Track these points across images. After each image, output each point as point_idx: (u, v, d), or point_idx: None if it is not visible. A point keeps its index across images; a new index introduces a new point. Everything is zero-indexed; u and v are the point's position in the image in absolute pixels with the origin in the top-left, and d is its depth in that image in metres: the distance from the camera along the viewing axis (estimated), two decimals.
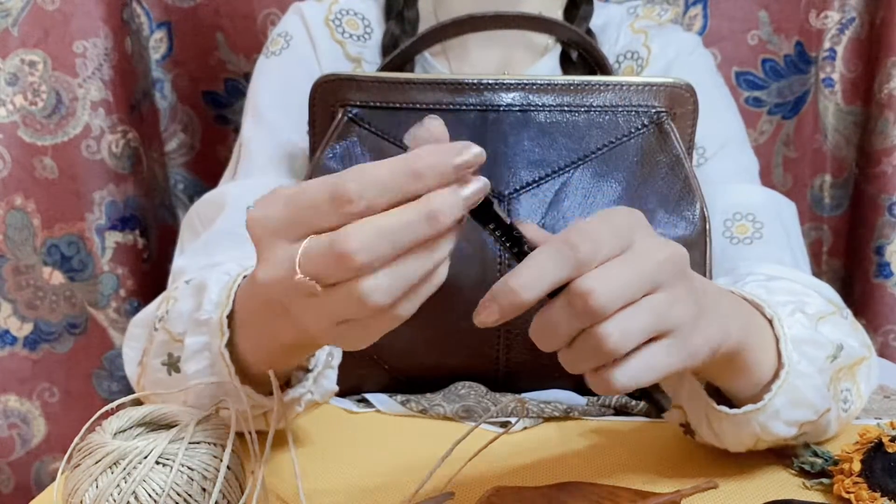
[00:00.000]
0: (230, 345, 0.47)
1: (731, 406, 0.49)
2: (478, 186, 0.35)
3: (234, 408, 0.43)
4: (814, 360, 0.50)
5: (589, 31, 0.77)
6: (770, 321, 0.49)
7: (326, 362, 0.53)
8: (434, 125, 0.37)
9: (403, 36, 0.75)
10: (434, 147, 0.35)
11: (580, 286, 0.36)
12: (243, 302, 0.47)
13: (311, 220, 0.34)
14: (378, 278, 0.33)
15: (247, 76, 1.01)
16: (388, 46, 0.76)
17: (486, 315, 0.37)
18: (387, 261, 0.33)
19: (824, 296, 0.61)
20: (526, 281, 0.36)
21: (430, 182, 0.34)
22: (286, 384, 0.51)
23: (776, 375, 0.48)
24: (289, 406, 0.52)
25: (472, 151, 0.35)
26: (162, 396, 0.54)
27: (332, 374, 0.55)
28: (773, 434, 0.49)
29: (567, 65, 0.75)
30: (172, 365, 0.52)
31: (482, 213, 0.37)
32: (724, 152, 0.73)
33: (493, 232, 0.38)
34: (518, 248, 0.38)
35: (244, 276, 0.50)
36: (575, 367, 0.38)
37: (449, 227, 0.34)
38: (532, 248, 0.38)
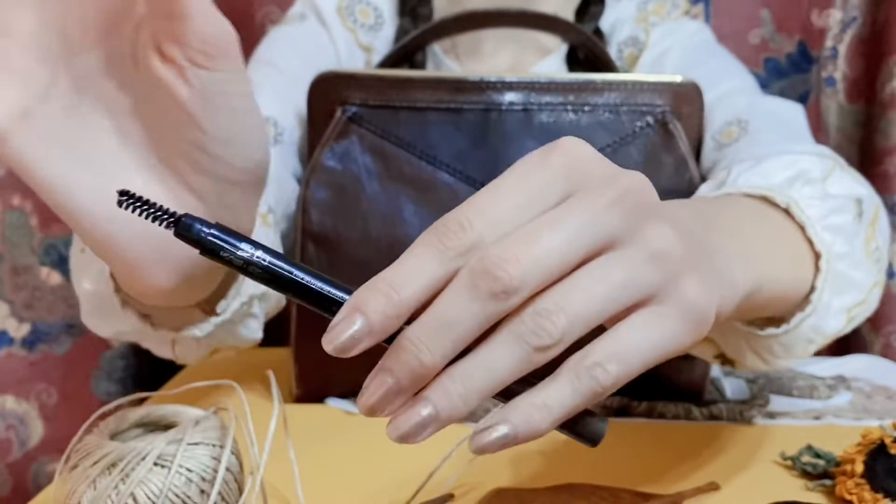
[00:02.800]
0: None
1: (767, 323, 0.46)
2: None
3: (233, 409, 0.43)
4: (844, 230, 0.47)
5: (598, 31, 0.77)
6: (786, 210, 0.46)
7: (242, 311, 0.52)
8: None
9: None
10: None
11: (483, 259, 0.27)
12: None
13: None
14: None
15: None
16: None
17: (344, 332, 0.28)
18: None
19: (816, 152, 0.56)
20: (398, 277, 0.27)
21: None
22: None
23: (816, 267, 0.45)
24: (188, 341, 0.51)
25: None
26: (74, 279, 0.53)
27: (254, 323, 0.54)
28: (826, 333, 0.47)
29: (573, 64, 0.75)
30: (84, 251, 0.51)
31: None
32: (727, 85, 0.70)
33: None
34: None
35: None
36: (504, 371, 0.27)
37: None
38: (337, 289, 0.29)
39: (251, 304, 0.53)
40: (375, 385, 0.28)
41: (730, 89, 0.69)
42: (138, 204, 0.29)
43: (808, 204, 0.47)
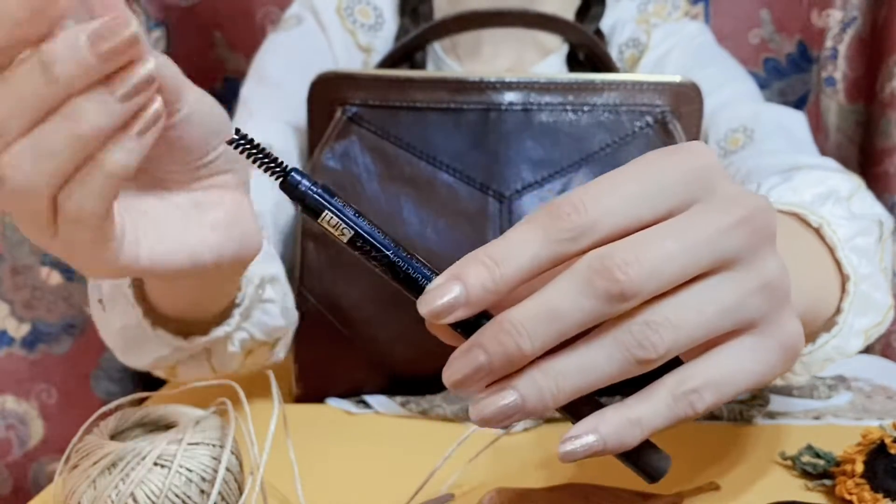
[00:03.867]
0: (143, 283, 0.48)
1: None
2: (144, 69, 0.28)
3: (232, 409, 0.43)
4: (867, 252, 0.47)
5: (598, 32, 0.77)
6: (818, 230, 0.46)
7: (256, 296, 0.53)
8: None
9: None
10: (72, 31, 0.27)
11: (604, 257, 0.26)
12: None
13: None
14: (13, 153, 0.28)
15: (245, 75, 1.01)
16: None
17: (441, 298, 0.27)
18: (19, 132, 0.28)
19: (836, 168, 0.56)
20: (502, 252, 0.27)
21: (70, 80, 0.27)
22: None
23: (843, 289, 0.45)
24: (219, 345, 0.52)
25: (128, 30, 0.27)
26: (102, 333, 0.55)
27: (273, 308, 0.55)
28: (846, 353, 0.48)
29: (573, 64, 0.75)
30: (102, 301, 0.52)
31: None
32: (729, 92, 0.71)
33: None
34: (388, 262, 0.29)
35: None
36: (603, 372, 0.27)
37: (75, 80, 0.27)
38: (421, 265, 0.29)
39: (262, 286, 0.54)
40: (466, 361, 0.27)
41: (733, 96, 0.70)
42: (250, 148, 0.29)
43: (837, 224, 0.48)
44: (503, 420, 0.27)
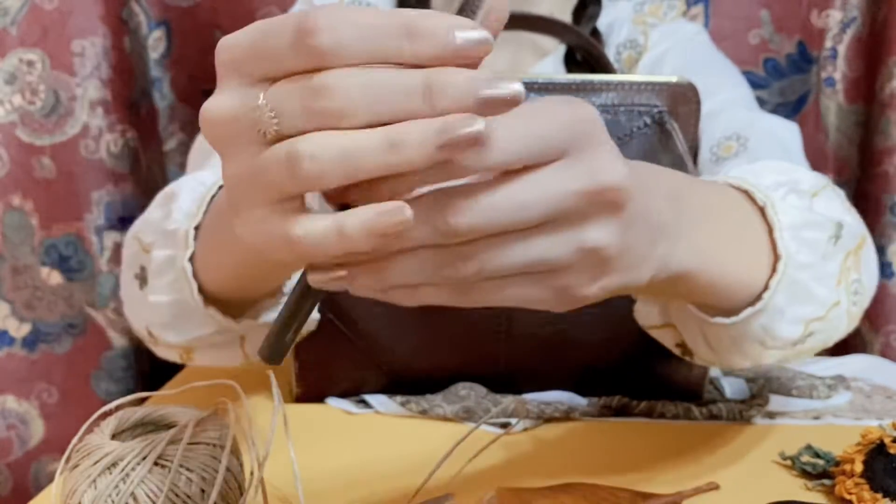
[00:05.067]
0: (196, 259, 0.47)
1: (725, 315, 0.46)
2: (507, 92, 0.26)
3: (233, 409, 0.43)
4: (814, 245, 0.47)
5: (595, 32, 0.77)
6: (762, 209, 0.46)
7: None
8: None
9: None
10: (446, 16, 0.26)
11: (445, 193, 0.29)
12: (213, 213, 0.46)
13: (273, 54, 0.28)
14: (313, 142, 0.27)
15: None
16: None
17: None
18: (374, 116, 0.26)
19: (816, 174, 0.56)
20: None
21: (426, 48, 0.26)
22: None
23: (773, 269, 0.45)
24: (257, 331, 0.52)
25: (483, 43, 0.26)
26: (130, 310, 0.55)
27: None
28: (779, 337, 0.47)
29: (571, 65, 0.75)
30: (143, 278, 0.51)
31: None
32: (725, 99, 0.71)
33: None
34: None
35: (220, 187, 0.48)
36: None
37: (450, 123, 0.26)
38: None
39: None
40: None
41: (727, 101, 0.70)
42: None
43: (785, 210, 0.47)
44: (328, 283, 0.30)
